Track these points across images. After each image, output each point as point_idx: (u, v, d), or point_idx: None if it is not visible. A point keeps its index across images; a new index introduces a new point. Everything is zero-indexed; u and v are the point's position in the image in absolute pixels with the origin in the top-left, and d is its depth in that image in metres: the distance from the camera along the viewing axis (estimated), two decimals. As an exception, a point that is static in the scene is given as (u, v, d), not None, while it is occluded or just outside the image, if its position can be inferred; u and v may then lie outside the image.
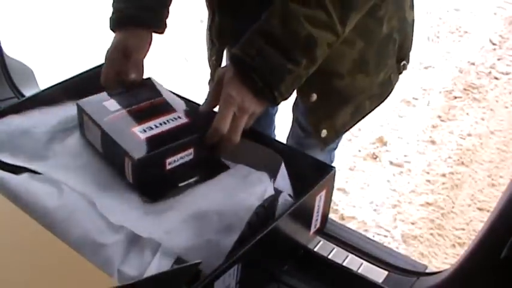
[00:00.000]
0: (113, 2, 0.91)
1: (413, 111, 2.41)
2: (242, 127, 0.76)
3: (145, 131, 0.79)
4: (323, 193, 0.83)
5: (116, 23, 0.91)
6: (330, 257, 0.86)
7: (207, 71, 1.09)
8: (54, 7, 2.75)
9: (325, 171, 0.83)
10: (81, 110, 0.85)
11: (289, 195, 0.81)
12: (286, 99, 0.78)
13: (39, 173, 0.79)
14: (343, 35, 0.77)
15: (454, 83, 2.61)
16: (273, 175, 0.80)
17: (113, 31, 0.91)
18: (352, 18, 0.77)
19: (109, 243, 0.70)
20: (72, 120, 0.88)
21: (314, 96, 0.92)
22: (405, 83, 2.52)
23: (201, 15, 1.05)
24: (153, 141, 0.78)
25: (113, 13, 0.91)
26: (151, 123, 0.80)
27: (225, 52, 1.02)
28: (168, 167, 0.78)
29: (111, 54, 0.90)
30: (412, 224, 1.86)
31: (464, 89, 2.58)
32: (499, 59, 2.83)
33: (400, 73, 1.04)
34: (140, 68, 0.92)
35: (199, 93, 0.93)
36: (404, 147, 2.19)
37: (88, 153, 0.84)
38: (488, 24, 3.11)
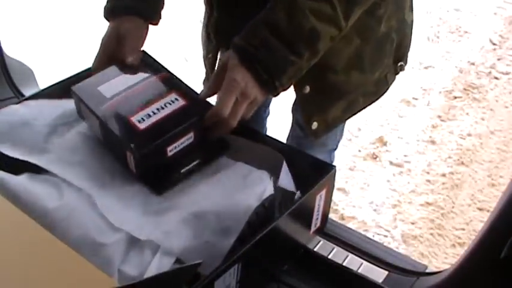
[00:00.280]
0: None
1: (413, 111, 2.41)
2: (242, 113, 0.76)
3: (143, 119, 0.78)
4: (323, 192, 0.83)
5: (110, 12, 0.89)
6: (330, 257, 0.86)
7: (206, 71, 1.09)
8: (54, 7, 2.75)
9: (325, 170, 0.83)
10: (77, 97, 0.84)
11: (293, 192, 0.81)
12: (286, 90, 0.79)
13: (39, 173, 0.79)
14: (345, 29, 0.78)
15: (454, 83, 2.61)
16: (274, 174, 0.80)
17: (107, 20, 0.90)
18: (356, 12, 0.78)
19: (109, 243, 0.70)
20: (72, 115, 0.88)
21: (307, 89, 0.92)
22: (405, 83, 2.52)
23: (200, 15, 1.05)
24: (153, 131, 0.77)
25: (107, 2, 0.90)
26: (149, 110, 0.79)
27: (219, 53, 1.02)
28: (170, 154, 0.77)
29: (106, 40, 0.89)
30: (412, 224, 1.85)
31: (464, 89, 2.58)
32: (499, 59, 2.82)
33: (397, 73, 1.04)
34: (137, 55, 0.90)
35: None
36: (404, 147, 2.19)
37: (88, 147, 0.84)
38: (488, 24, 3.11)
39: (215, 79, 0.78)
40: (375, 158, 2.13)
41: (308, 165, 0.85)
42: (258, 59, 0.74)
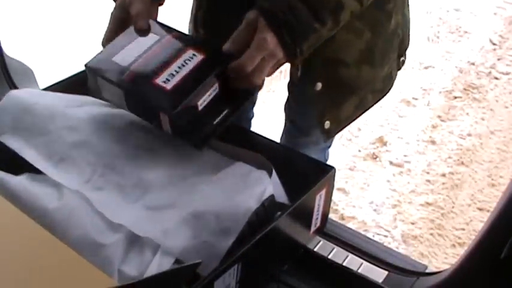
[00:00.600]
0: None
1: (413, 111, 2.41)
2: (267, 72, 0.76)
3: (168, 80, 0.77)
4: (323, 192, 0.83)
5: None
6: (330, 257, 0.86)
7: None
8: (54, 7, 2.75)
9: (325, 170, 0.83)
10: (94, 73, 0.82)
11: (283, 203, 0.81)
12: (303, 58, 0.78)
13: (39, 173, 0.80)
14: (364, 7, 0.79)
15: (454, 83, 2.61)
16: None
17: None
18: None
19: (109, 243, 0.70)
20: (73, 101, 0.88)
21: (319, 86, 0.92)
22: (405, 83, 2.52)
23: (188, 9, 1.04)
24: (181, 89, 0.76)
25: None
26: (170, 70, 0.78)
27: None
28: (200, 107, 0.77)
29: (115, 13, 0.86)
30: (412, 224, 1.86)
31: (464, 89, 2.58)
32: (499, 59, 2.83)
33: (399, 69, 1.05)
34: (145, 19, 0.84)
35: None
36: (404, 147, 2.19)
37: (89, 126, 0.84)
38: (488, 24, 3.11)
39: (240, 34, 0.77)
40: (375, 158, 2.13)
41: (308, 166, 0.85)
42: (285, 24, 0.74)
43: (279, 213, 0.77)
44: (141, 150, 0.84)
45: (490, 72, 2.72)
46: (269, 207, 0.76)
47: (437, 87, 2.57)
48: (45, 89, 0.96)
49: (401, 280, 0.84)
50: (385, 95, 1.05)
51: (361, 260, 0.87)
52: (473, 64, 2.76)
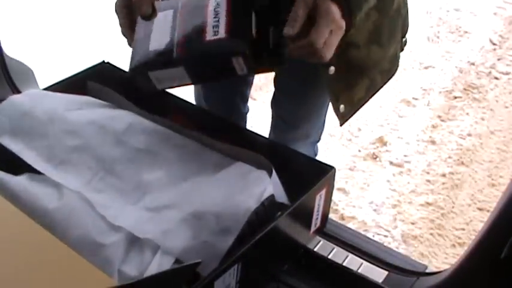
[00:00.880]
0: None
1: (413, 111, 2.41)
2: (336, 44, 0.76)
3: (216, 31, 0.75)
4: (323, 192, 0.83)
5: None
6: (330, 257, 0.86)
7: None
8: (54, 7, 2.75)
9: (325, 170, 0.83)
10: (143, 71, 0.77)
11: (283, 203, 0.81)
12: (349, 30, 0.78)
13: (39, 173, 0.80)
14: None
15: (454, 83, 2.61)
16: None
17: None
18: None
19: (109, 243, 0.70)
20: (73, 103, 0.88)
21: (332, 69, 0.92)
22: (405, 83, 2.52)
23: None
24: (234, 31, 0.75)
25: None
26: (211, 23, 0.77)
27: None
28: (256, 37, 0.76)
29: (119, 4, 0.82)
30: (412, 224, 1.85)
31: (464, 89, 2.58)
32: (499, 59, 2.83)
33: (402, 50, 1.07)
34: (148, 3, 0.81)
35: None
36: (404, 147, 2.19)
37: (89, 130, 0.84)
38: (488, 24, 3.11)
39: (297, 15, 0.74)
40: (375, 158, 2.13)
41: (308, 166, 0.85)
42: None
43: (279, 213, 0.77)
44: (141, 152, 0.84)
45: (490, 72, 2.71)
46: (269, 207, 0.76)
47: (437, 87, 2.57)
48: (45, 89, 0.96)
49: (401, 280, 0.84)
50: (392, 76, 1.06)
51: (361, 260, 0.87)
52: (473, 64, 2.76)
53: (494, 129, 2.35)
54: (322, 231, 0.89)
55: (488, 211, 1.89)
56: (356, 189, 1.97)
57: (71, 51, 2.37)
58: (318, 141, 1.25)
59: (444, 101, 2.49)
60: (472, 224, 1.88)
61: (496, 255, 0.68)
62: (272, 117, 1.21)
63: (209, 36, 0.75)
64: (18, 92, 1.07)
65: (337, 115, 0.98)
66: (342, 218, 1.84)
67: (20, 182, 0.77)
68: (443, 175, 2.06)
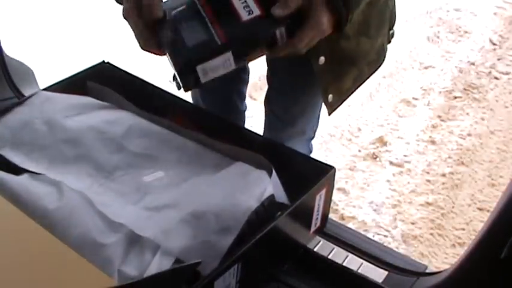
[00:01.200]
0: None
1: (413, 111, 2.41)
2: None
3: (250, 11, 0.75)
4: (323, 192, 0.83)
5: None
6: (330, 257, 0.86)
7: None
8: (54, 7, 2.75)
9: (325, 170, 0.83)
10: (192, 66, 0.75)
11: (283, 203, 0.81)
12: (345, 27, 0.79)
13: (39, 173, 0.80)
14: None
15: (454, 83, 2.61)
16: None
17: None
18: None
19: (109, 243, 0.70)
20: (73, 108, 0.88)
21: (322, 60, 0.93)
22: (405, 83, 2.52)
23: None
24: (265, 5, 0.75)
25: None
26: (240, 4, 0.76)
27: None
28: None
29: (128, 7, 0.78)
30: (412, 224, 1.86)
31: (464, 89, 2.58)
32: (499, 59, 2.83)
33: (389, 42, 1.08)
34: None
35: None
36: (404, 147, 2.19)
37: (89, 137, 0.84)
38: (488, 24, 3.11)
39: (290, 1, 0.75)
40: (375, 158, 2.13)
41: (308, 166, 0.85)
42: None
43: (279, 213, 0.77)
44: (141, 156, 0.84)
45: (490, 72, 2.72)
46: (269, 207, 0.76)
47: (437, 87, 2.57)
48: (45, 89, 0.96)
49: (401, 280, 0.84)
50: (378, 67, 1.07)
51: (361, 260, 0.87)
52: (473, 64, 2.76)
53: (494, 129, 2.35)
54: (322, 231, 0.89)
55: (488, 211, 1.89)
56: (356, 189, 1.97)
57: (71, 51, 2.37)
58: (313, 138, 1.26)
59: (444, 101, 2.49)
60: (472, 224, 1.88)
61: (496, 255, 0.67)
62: (266, 115, 1.21)
63: (245, 16, 0.75)
64: (18, 91, 1.07)
65: (326, 105, 1.00)
66: (342, 218, 1.84)
67: (20, 182, 0.77)
68: (443, 175, 2.06)
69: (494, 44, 2.94)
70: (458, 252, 1.75)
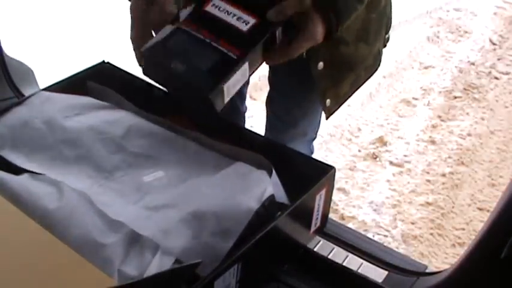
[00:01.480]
0: None
1: (413, 111, 2.41)
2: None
3: (244, 22, 0.77)
4: (323, 192, 0.83)
5: None
6: (330, 256, 0.86)
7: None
8: (54, 7, 2.75)
9: (325, 170, 0.83)
10: (218, 83, 0.75)
11: (283, 203, 0.81)
12: (336, 35, 0.81)
13: (39, 173, 0.80)
14: None
15: (454, 83, 2.61)
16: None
17: None
18: None
19: (109, 243, 0.70)
20: (73, 109, 0.88)
21: (321, 65, 0.94)
22: (405, 83, 2.52)
23: None
24: (254, 9, 0.77)
25: None
26: (232, 18, 0.77)
27: None
28: None
29: (136, 6, 0.79)
30: (412, 224, 1.86)
31: (464, 89, 2.58)
32: (499, 59, 2.83)
33: (385, 46, 1.09)
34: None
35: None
36: (404, 147, 2.19)
37: (88, 137, 0.84)
38: (488, 24, 3.11)
39: (285, 9, 0.76)
40: (375, 158, 2.13)
41: (308, 166, 0.85)
42: (333, 6, 0.77)
43: (279, 213, 0.77)
44: (141, 157, 0.84)
45: (490, 72, 2.72)
46: (269, 207, 0.76)
47: (437, 87, 2.57)
48: (45, 89, 0.96)
49: (401, 280, 0.84)
50: (374, 71, 1.09)
51: (361, 260, 0.87)
52: (473, 64, 2.76)
53: (494, 129, 2.35)
54: (322, 231, 0.89)
55: (488, 211, 1.89)
56: (356, 189, 1.97)
57: (71, 51, 2.37)
58: (314, 139, 1.26)
59: (444, 101, 2.49)
60: (472, 224, 1.88)
61: (496, 255, 0.67)
62: (267, 116, 1.21)
63: (244, 27, 0.76)
64: (18, 91, 1.07)
65: (324, 109, 1.02)
66: (342, 218, 1.84)
67: (20, 182, 0.77)
68: (443, 175, 2.06)
69: (494, 44, 2.94)
70: (458, 252, 1.76)
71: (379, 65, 1.09)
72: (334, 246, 0.88)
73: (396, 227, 1.83)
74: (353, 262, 0.86)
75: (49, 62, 2.12)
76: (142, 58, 0.78)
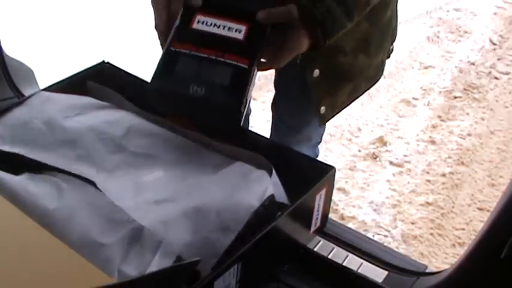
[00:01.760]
0: None
1: (413, 111, 2.41)
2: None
3: (237, 31, 0.77)
4: (323, 192, 0.83)
5: None
6: (330, 256, 0.86)
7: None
8: (54, 7, 2.75)
9: (325, 170, 0.83)
10: (238, 102, 0.76)
11: (283, 203, 0.81)
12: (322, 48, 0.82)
13: (38, 173, 0.80)
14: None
15: (454, 83, 2.61)
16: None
17: None
18: None
19: (109, 243, 0.70)
20: (73, 109, 0.88)
21: (317, 72, 0.94)
22: (405, 83, 2.52)
23: None
24: (240, 16, 0.78)
25: None
26: (226, 30, 0.78)
27: None
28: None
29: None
30: (412, 224, 1.86)
31: (464, 89, 2.58)
32: (499, 59, 2.83)
33: (389, 57, 1.09)
34: None
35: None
36: (404, 147, 2.19)
37: (88, 138, 0.84)
38: (488, 24, 3.11)
39: (280, 13, 0.77)
40: (375, 158, 2.13)
41: (308, 166, 0.85)
42: (321, 24, 0.78)
43: (279, 213, 0.77)
44: (141, 157, 0.84)
45: (490, 72, 2.72)
46: (269, 207, 0.76)
47: (437, 87, 2.57)
48: (45, 89, 0.96)
49: (401, 280, 0.84)
50: (375, 82, 1.09)
51: (361, 260, 0.87)
52: (473, 64, 2.76)
53: (494, 129, 2.35)
54: (322, 231, 0.89)
55: (488, 211, 1.89)
56: (356, 189, 1.97)
57: (71, 51, 2.37)
58: (319, 142, 1.26)
59: (444, 101, 2.49)
60: (472, 224, 1.88)
61: (496, 255, 0.67)
62: (272, 120, 1.21)
63: (240, 36, 0.77)
64: (18, 91, 1.07)
65: (318, 116, 1.02)
66: (342, 218, 1.84)
67: (20, 182, 0.77)
68: (443, 175, 2.06)
69: (494, 44, 2.94)
70: (458, 252, 1.76)
71: (380, 76, 1.09)
72: (334, 246, 0.88)
73: (396, 227, 1.84)
74: (353, 262, 0.86)
75: (49, 62, 2.12)
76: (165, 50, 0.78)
